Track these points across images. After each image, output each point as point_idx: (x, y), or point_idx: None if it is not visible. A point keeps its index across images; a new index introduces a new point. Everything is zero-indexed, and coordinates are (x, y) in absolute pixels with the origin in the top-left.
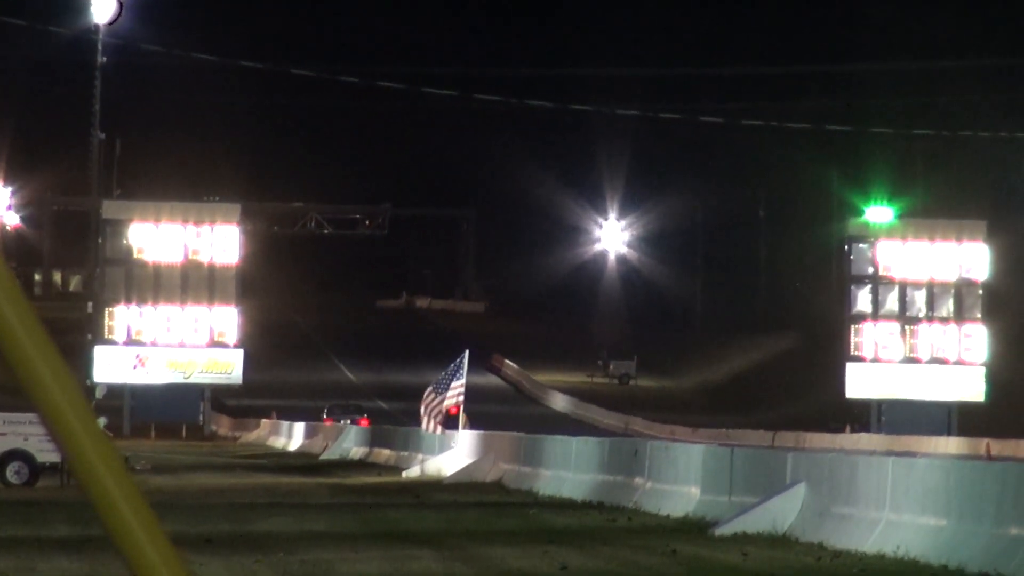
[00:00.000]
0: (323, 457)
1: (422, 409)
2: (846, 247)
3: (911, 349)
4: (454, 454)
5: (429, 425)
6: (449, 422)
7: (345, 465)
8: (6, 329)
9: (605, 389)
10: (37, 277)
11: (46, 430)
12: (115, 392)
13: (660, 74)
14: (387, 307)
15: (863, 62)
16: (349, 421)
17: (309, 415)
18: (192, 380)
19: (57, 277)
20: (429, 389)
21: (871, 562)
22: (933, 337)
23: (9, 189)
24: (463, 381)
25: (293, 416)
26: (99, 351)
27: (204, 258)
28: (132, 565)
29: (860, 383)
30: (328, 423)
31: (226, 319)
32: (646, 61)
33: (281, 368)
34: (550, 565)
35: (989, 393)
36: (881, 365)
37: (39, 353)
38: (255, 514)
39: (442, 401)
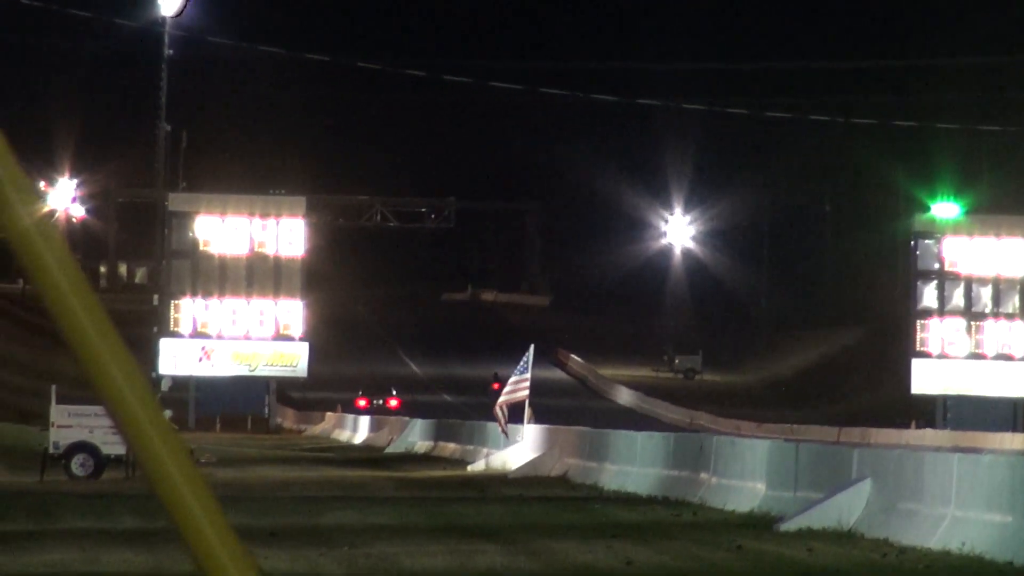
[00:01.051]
0: (388, 451)
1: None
2: (912, 243)
3: (976, 345)
4: (519, 448)
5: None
6: (513, 416)
7: (410, 459)
8: (73, 322)
9: (670, 383)
10: (103, 269)
11: (113, 422)
12: (180, 384)
13: (727, 68)
14: (452, 300)
15: (930, 57)
16: (380, 401)
17: (373, 408)
18: (257, 373)
19: (123, 269)
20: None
21: (936, 558)
22: (999, 333)
23: (75, 181)
24: (528, 375)
25: (358, 409)
26: (165, 343)
27: (270, 251)
28: (198, 557)
29: (926, 378)
30: (361, 403)
31: (291, 312)
32: (713, 55)
33: (346, 361)
34: (615, 560)
35: None
36: (947, 361)
37: (106, 346)
38: (320, 507)
39: (511, 393)
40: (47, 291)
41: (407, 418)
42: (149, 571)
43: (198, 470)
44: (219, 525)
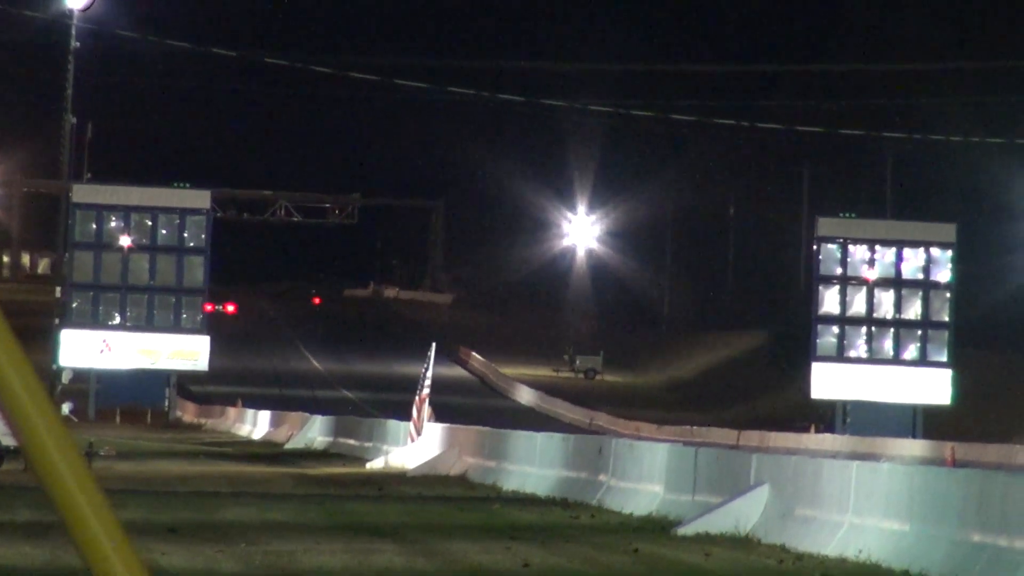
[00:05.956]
0: (287, 446)
1: (414, 414)
2: (815, 247)
3: (878, 350)
4: (418, 447)
5: (418, 430)
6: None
7: (309, 455)
8: None
9: (571, 383)
10: (5, 259)
11: (2, 414)
12: (81, 376)
13: (633, 70)
14: (355, 296)
15: (837, 62)
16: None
17: (275, 403)
18: (158, 366)
19: (26, 260)
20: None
21: (833, 565)
22: (900, 339)
23: None
24: (431, 373)
25: (258, 404)
26: (66, 335)
27: (173, 244)
28: (85, 553)
29: (826, 383)
30: (207, 307)
31: (194, 305)
32: (619, 57)
33: (247, 355)
34: (512, 561)
35: (955, 396)
36: (847, 366)
37: None
38: (219, 503)
39: (423, 400)
40: None
41: (307, 414)
42: (45, 564)
43: (87, 465)
44: (107, 521)
